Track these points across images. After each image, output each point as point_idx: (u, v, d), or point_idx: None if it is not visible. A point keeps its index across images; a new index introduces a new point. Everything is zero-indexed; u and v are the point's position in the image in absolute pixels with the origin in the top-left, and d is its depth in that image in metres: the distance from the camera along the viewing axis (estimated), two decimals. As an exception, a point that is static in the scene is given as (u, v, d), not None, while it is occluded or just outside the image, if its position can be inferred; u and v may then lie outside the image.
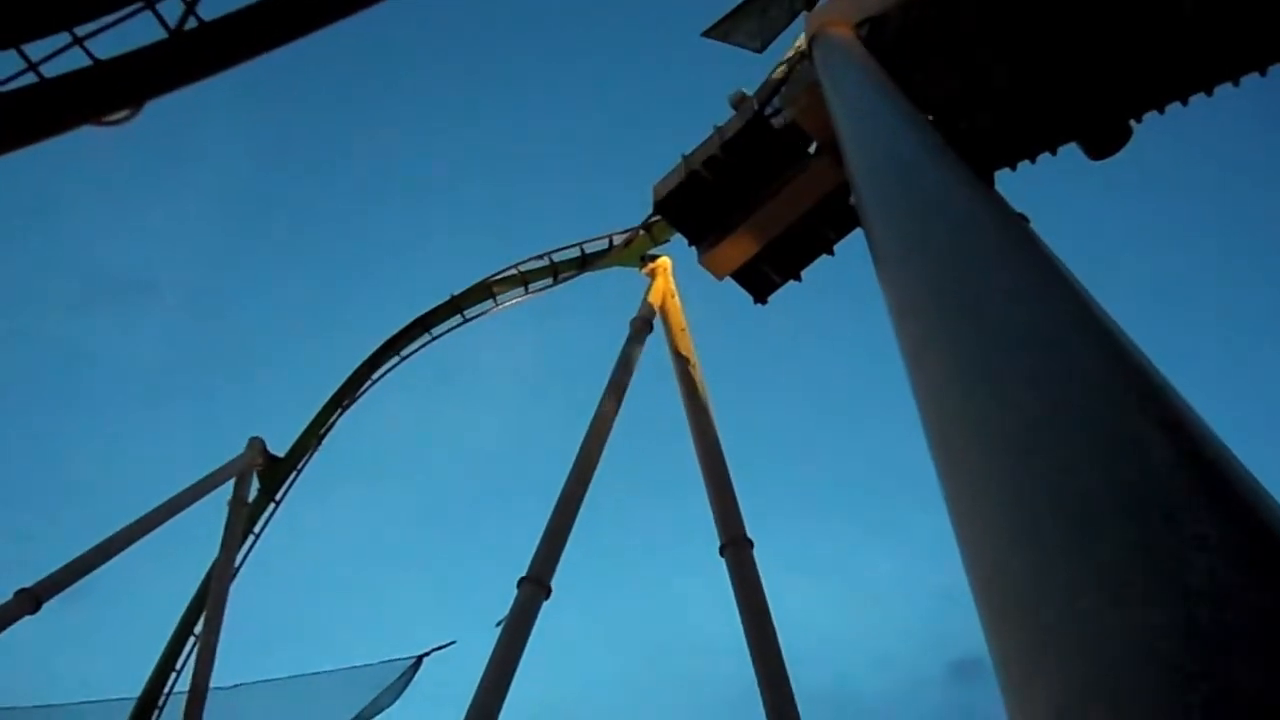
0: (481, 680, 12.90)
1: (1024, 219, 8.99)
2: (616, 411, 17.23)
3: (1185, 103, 11.15)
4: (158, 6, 8.70)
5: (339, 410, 25.24)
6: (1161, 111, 11.30)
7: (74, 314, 60.65)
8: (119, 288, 62.75)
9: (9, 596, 18.19)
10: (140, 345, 62.64)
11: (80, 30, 8.68)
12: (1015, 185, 11.87)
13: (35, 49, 8.68)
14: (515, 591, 14.06)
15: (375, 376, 25.12)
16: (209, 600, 22.05)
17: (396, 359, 25.18)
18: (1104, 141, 11.62)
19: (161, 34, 8.80)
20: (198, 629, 22.33)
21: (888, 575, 64.76)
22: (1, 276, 57.99)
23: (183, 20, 8.70)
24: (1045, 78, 10.68)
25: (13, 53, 8.56)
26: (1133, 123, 11.48)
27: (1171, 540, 2.21)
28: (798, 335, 62.83)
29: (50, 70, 8.75)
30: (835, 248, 15.30)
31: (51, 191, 54.04)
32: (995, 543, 2.58)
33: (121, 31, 8.89)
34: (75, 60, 8.88)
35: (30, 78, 8.70)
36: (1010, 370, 3.01)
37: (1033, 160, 12.01)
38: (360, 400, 25.50)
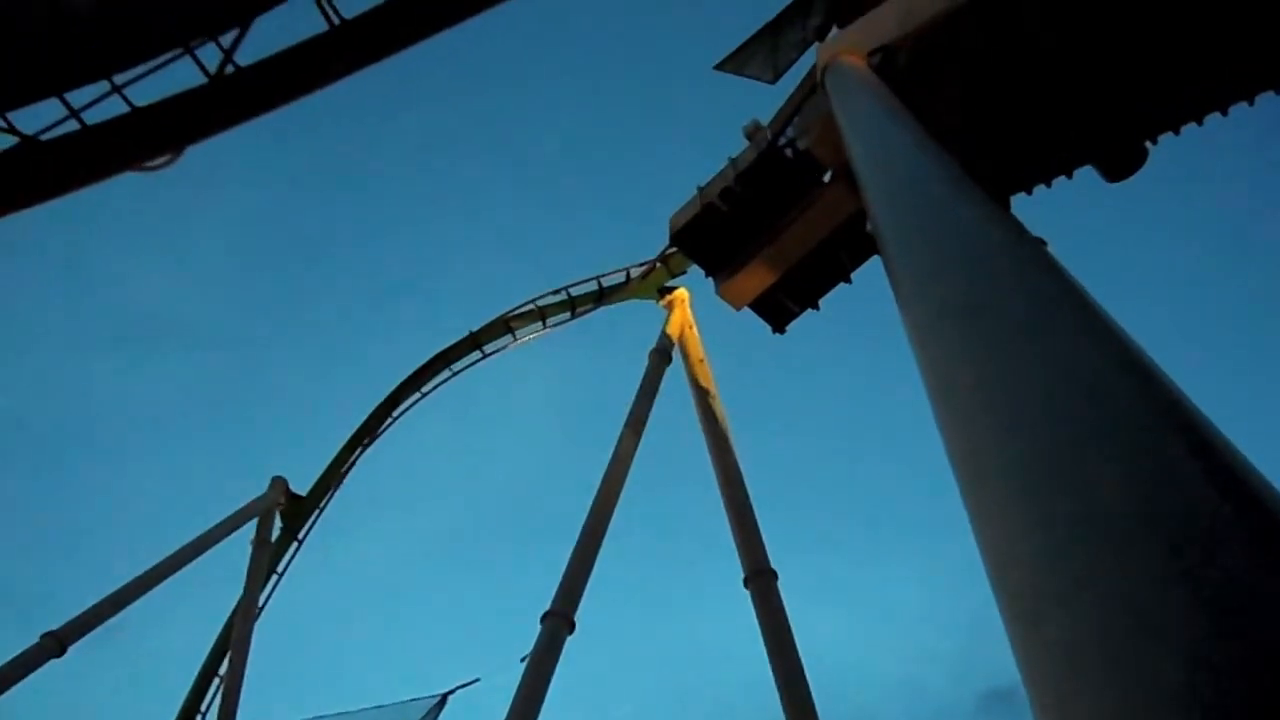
0: (507, 718, 12.81)
1: (1042, 242, 8.99)
2: (637, 444, 17.21)
3: (1200, 122, 11.14)
4: (195, 53, 8.82)
5: (360, 448, 25.35)
6: (1177, 133, 11.30)
7: (96, 356, 61.35)
8: (140, 329, 63.49)
9: (35, 640, 18.25)
10: (161, 386, 63.20)
11: (121, 77, 8.81)
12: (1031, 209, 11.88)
13: (78, 97, 8.82)
14: (539, 627, 13.99)
15: (396, 414, 25.24)
16: (233, 640, 22.07)
17: (417, 395, 25.31)
18: (1119, 164, 11.61)
19: (200, 79, 8.92)
20: (222, 670, 22.33)
21: (914, 604, 64.04)
22: (26, 320, 58.81)
23: (222, 66, 8.82)
24: (1059, 101, 10.70)
25: (55, 100, 8.70)
26: (1148, 144, 11.48)
27: (1205, 563, 2.18)
28: (815, 362, 62.70)
29: (94, 117, 8.89)
30: (853, 275, 15.29)
31: (74, 234, 54.91)
32: (1025, 569, 2.55)
33: (161, 78, 9.01)
34: (118, 106, 9.02)
35: (72, 125, 8.83)
36: (1035, 396, 2.99)
37: (1048, 184, 12.01)
38: (381, 437, 25.60)
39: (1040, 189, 12.01)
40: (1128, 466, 2.54)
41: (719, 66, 14.18)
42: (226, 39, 8.83)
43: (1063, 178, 11.92)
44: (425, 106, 61.42)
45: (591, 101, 67.23)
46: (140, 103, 8.99)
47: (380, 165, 65.82)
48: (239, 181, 59.98)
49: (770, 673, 14.14)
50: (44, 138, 8.79)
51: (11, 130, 8.71)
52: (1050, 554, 2.51)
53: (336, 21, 8.91)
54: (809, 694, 13.68)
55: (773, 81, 13.95)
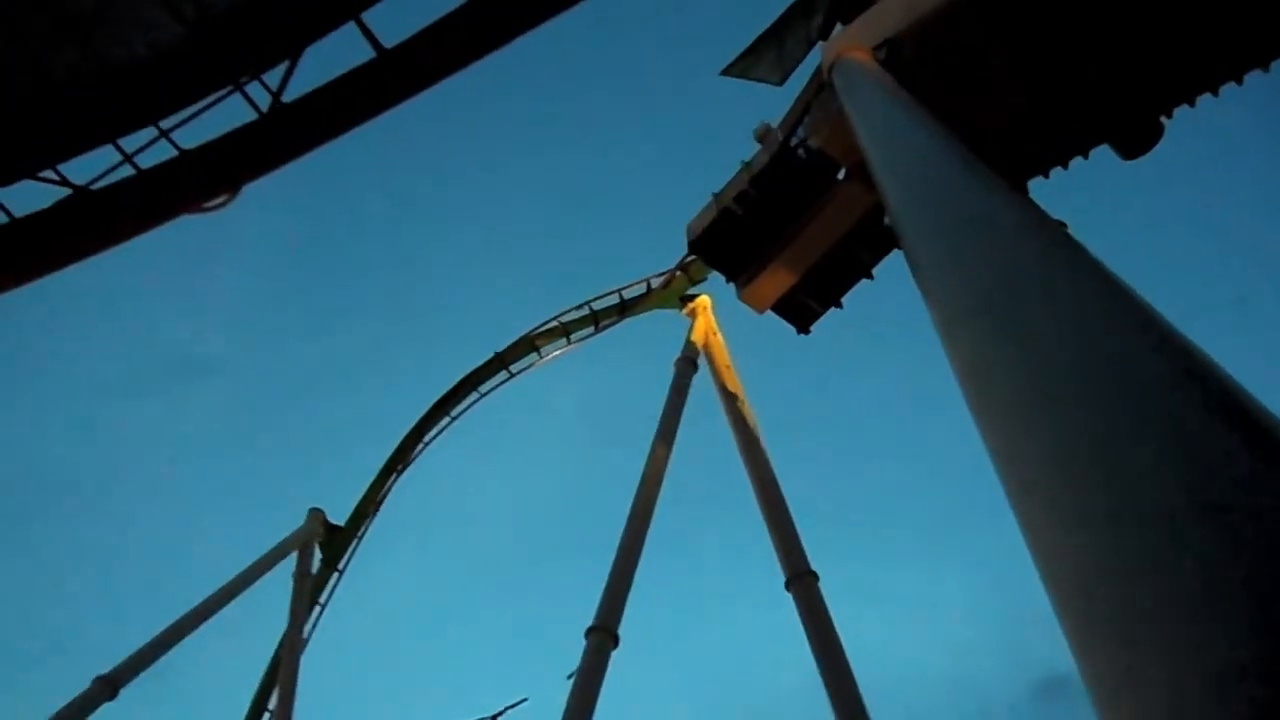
0: (557, 735, 12.81)
1: (1062, 225, 8.90)
2: (669, 453, 17.20)
3: (1216, 93, 11.01)
4: (245, 89, 8.84)
5: (394, 475, 25.47)
6: (1192, 105, 11.17)
7: (129, 397, 62.15)
8: (170, 367, 64.32)
9: (88, 684, 18.45)
10: (194, 423, 63.94)
11: (178, 117, 8.83)
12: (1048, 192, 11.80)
13: (130, 142, 8.87)
14: (584, 642, 13.98)
15: (427, 439, 25.35)
16: (280, 673, 22.20)
17: (447, 420, 25.43)
18: (1135, 140, 11.50)
19: (251, 115, 8.94)
20: (272, 704, 22.46)
21: (957, 598, 63.47)
22: (59, 364, 59.74)
23: (276, 99, 8.84)
24: (1070, 81, 10.62)
25: (109, 147, 8.75)
26: (1163, 119, 11.36)
27: (1261, 548, 2.15)
28: (843, 360, 62.44)
29: (148, 160, 8.92)
30: (875, 270, 15.23)
31: (98, 276, 55.73)
32: (1076, 561, 2.51)
33: (212, 116, 9.03)
34: (181, 143, 9.03)
35: (123, 171, 8.87)
36: (1071, 381, 2.95)
37: (1065, 166, 11.91)
38: (414, 463, 25.72)
39: (1057, 171, 11.92)
40: (1179, 453, 2.49)
41: (726, 71, 14.18)
42: (273, 76, 8.85)
43: (1079, 158, 11.82)
44: (440, 134, 61.98)
45: (604, 115, 67.56)
46: (193, 142, 9.01)
47: (399, 194, 66.43)
48: (259, 217, 60.73)
49: (818, 676, 14.04)
50: (96, 186, 8.83)
51: (63, 182, 8.77)
52: (1098, 541, 2.47)
53: (381, 50, 8.90)
54: (858, 695, 13.55)
55: (780, 83, 13.94)
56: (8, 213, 8.68)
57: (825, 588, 15.02)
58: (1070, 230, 8.77)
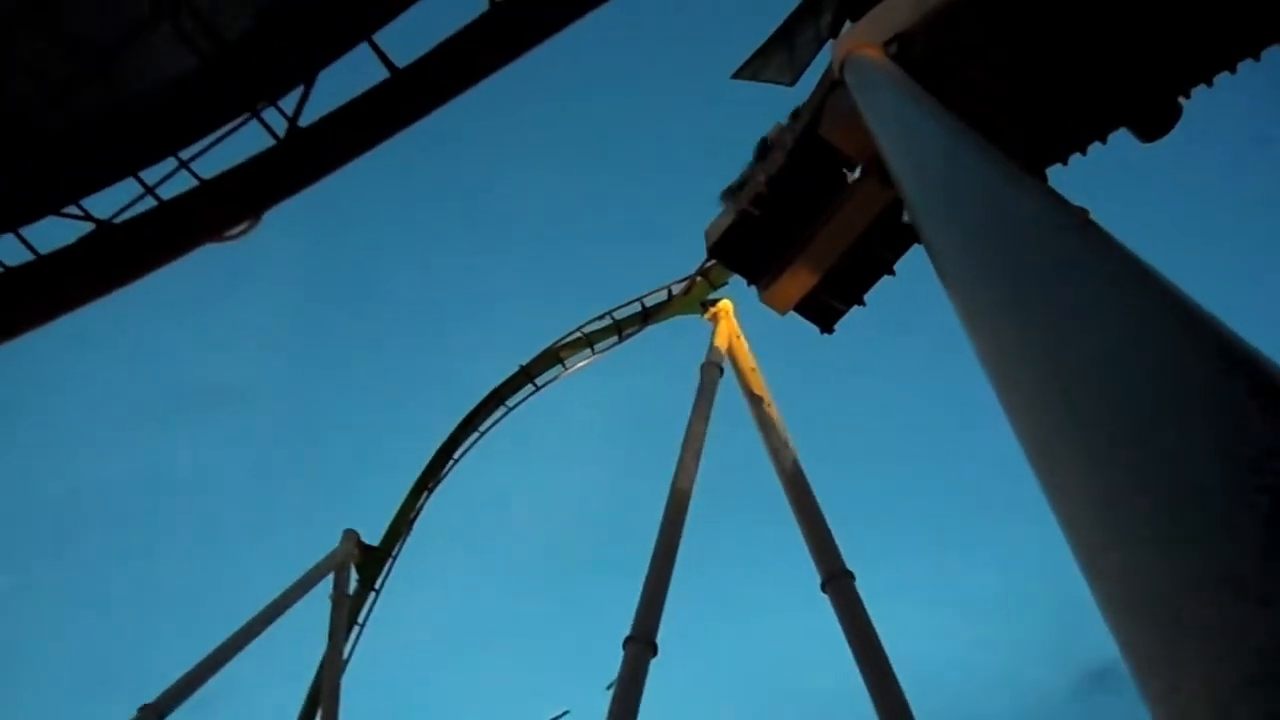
0: (600, 746, 12.80)
1: (1084, 211, 8.82)
2: (698, 459, 17.18)
3: (1234, 70, 10.89)
4: (261, 115, 8.88)
5: (426, 493, 25.61)
6: (1210, 84, 11.05)
7: (159, 428, 62.89)
8: (198, 398, 65.04)
9: (133, 714, 18.65)
10: (224, 451, 64.60)
11: (197, 147, 8.89)
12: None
13: (150, 175, 8.94)
14: (622, 652, 13.97)
15: (457, 456, 25.45)
16: (323, 695, 22.33)
17: (476, 435, 25.53)
18: (1154, 122, 11.39)
19: (268, 142, 8.99)
20: (315, 726, 22.60)
21: (995, 592, 62.92)
22: (91, 400, 60.55)
23: (292, 124, 8.90)
24: (1085, 65, 10.53)
25: (131, 180, 8.84)
26: (1181, 100, 11.24)
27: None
28: (867, 358, 62.12)
29: (167, 192, 8.99)
30: (896, 266, 15.15)
31: (122, 311, 56.49)
32: (1117, 549, 2.47)
33: (229, 145, 9.09)
34: (200, 173, 9.07)
35: (144, 205, 8.94)
36: (1104, 369, 2.91)
37: (1084, 152, 11.81)
38: (445, 479, 25.84)
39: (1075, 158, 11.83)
40: (1217, 434, 2.45)
41: (736, 75, 14.19)
42: (288, 102, 8.90)
43: (1097, 144, 11.72)
44: (454, 149, 62.36)
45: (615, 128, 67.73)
46: (211, 171, 9.08)
47: (415, 214, 66.86)
48: (277, 244, 61.37)
49: (858, 676, 13.94)
50: (118, 220, 8.92)
51: (86, 217, 8.86)
52: (1146, 534, 2.44)
53: (395, 70, 8.93)
54: (901, 694, 13.44)
55: (792, 83, 13.92)
56: (34, 250, 8.78)
57: (862, 586, 14.94)
58: (1092, 215, 8.69)
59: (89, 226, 8.87)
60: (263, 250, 61.17)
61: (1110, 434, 2.71)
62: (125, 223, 8.94)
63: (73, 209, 8.85)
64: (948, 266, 5.01)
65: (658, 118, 68.73)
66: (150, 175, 8.96)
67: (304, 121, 8.99)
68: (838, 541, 15.47)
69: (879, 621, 14.41)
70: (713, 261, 18.74)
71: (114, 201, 9.03)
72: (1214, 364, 2.62)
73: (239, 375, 65.06)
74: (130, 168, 8.74)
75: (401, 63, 9.01)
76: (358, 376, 70.85)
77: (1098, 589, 2.57)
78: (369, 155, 9.13)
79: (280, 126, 8.91)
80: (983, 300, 4.15)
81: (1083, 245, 3.88)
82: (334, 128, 9.02)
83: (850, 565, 15.13)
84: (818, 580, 15.17)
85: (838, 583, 14.86)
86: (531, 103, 64.68)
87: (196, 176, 8.95)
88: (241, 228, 9.32)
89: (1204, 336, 2.74)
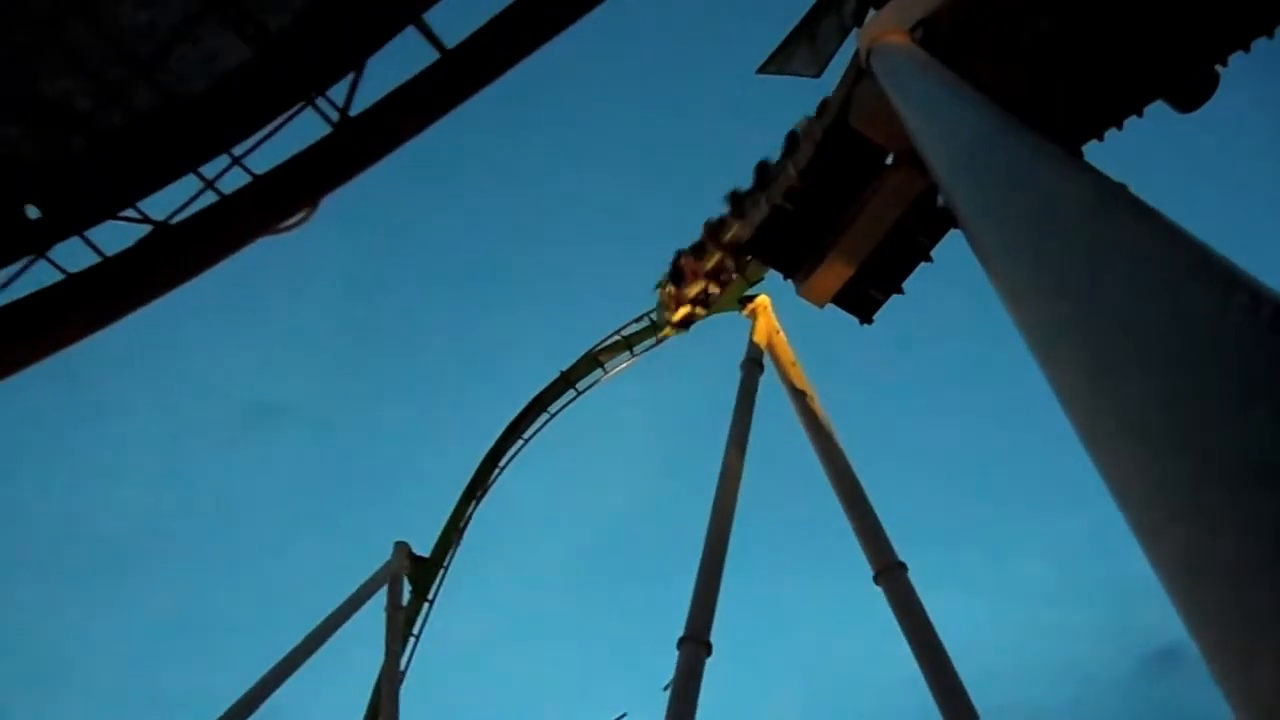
0: (660, 748, 12.82)
1: (1123, 187, 8.67)
2: (743, 456, 17.14)
3: (1271, 35, 10.65)
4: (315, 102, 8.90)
5: (474, 502, 25.80)
6: (1247, 50, 10.82)
7: (210, 448, 63.99)
8: (246, 417, 66.12)
9: (199, 733, 18.99)
10: (274, 468, 65.60)
11: (252, 140, 8.94)
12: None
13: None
14: (676, 653, 13.97)
15: (502, 464, 25.62)
16: (382, 706, 22.56)
17: (520, 443, 25.69)
18: (1191, 93, 11.18)
19: (322, 130, 9.04)
20: (376, 737, 22.83)
21: (1049, 579, 62.02)
22: (141, 424, 61.80)
23: (344, 111, 8.96)
24: (1118, 36, 10.36)
25: (190, 177, 8.95)
26: (1218, 68, 11.02)
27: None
28: (909, 346, 61.57)
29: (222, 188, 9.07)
30: (932, 252, 15.02)
31: (168, 335, 57.65)
32: (1180, 528, 2.43)
33: (278, 140, 9.17)
34: (251, 167, 9.15)
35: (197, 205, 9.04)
36: (1158, 344, 2.86)
37: (1119, 127, 11.62)
38: (492, 488, 26.02)
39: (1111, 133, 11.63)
40: (1270, 407, 2.40)
41: (761, 70, 14.12)
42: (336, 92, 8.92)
43: (1133, 118, 11.53)
44: (490, 150, 62.85)
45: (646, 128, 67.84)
46: (263, 164, 9.12)
47: (454, 221, 67.48)
48: (313, 257, 62.19)
49: (914, 667, 13.84)
50: (174, 220, 9.03)
51: (144, 219, 9.01)
52: (1211, 515, 2.39)
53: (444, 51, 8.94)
54: (960, 684, 13.33)
55: (817, 75, 13.82)
56: (99, 252, 8.91)
57: (915, 578, 14.82)
58: (1131, 191, 8.55)
59: (144, 229, 8.98)
60: (298, 264, 62.11)
61: (1166, 411, 2.66)
62: (182, 222, 9.05)
63: (130, 211, 8.99)
64: (988, 249, 4.95)
65: (686, 121, 68.69)
66: (204, 173, 9.07)
67: (355, 109, 9.03)
68: (888, 534, 15.36)
69: (933, 612, 14.30)
70: (748, 257, 18.69)
71: (167, 203, 9.15)
72: (1273, 336, 2.57)
73: (284, 393, 66.04)
74: (186, 166, 8.87)
75: (449, 41, 9.04)
76: (400, 387, 71.60)
77: (1162, 569, 2.52)
78: (409, 162, 9.21)
79: (331, 115, 8.97)
80: (1026, 281, 4.09)
81: (1127, 221, 3.82)
82: (387, 112, 9.08)
83: (902, 557, 15.02)
84: (869, 573, 15.07)
85: (890, 575, 14.75)
86: (569, 105, 65.10)
87: (249, 172, 9.04)
88: (298, 217, 9.39)
89: (1261, 308, 2.69)
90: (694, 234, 19.44)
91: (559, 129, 67.84)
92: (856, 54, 11.65)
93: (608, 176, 68.10)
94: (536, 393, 25.27)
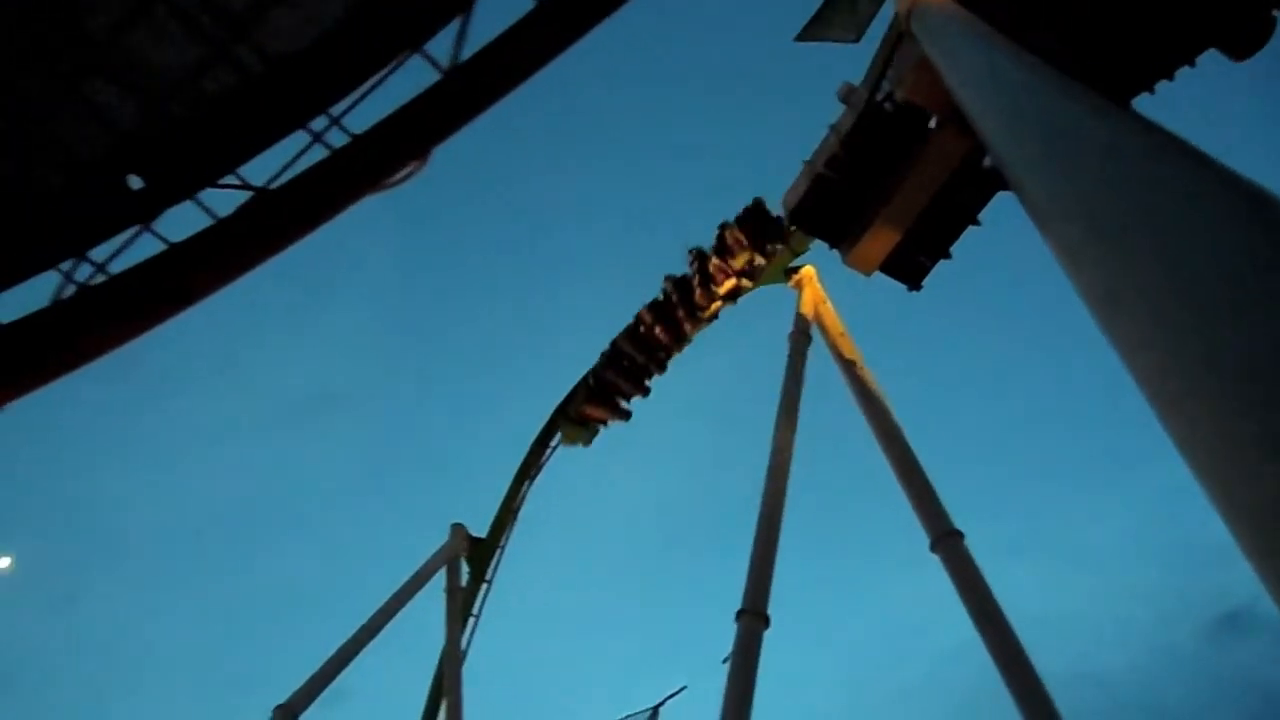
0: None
1: (1179, 139, 8.45)
2: (794, 427, 17.08)
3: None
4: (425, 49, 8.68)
5: (527, 482, 25.97)
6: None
7: (265, 439, 65.26)
8: (299, 407, 67.26)
9: (269, 714, 19.47)
10: (329, 456, 66.75)
11: (359, 92, 8.78)
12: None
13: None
14: (734, 626, 14.02)
15: (553, 444, 25.72)
16: (445, 686, 22.94)
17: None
18: (1245, 40, 10.82)
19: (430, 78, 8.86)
20: (441, 716, 23.22)
21: (1114, 543, 61.12)
22: (205, 416, 63.26)
23: (455, 57, 8.79)
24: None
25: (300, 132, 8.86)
26: (1275, 12, 10.65)
27: None
28: (961, 311, 60.77)
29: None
30: (980, 216, 14.78)
31: (219, 331, 58.82)
32: (1253, 486, 2.36)
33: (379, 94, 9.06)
34: (368, 116, 8.99)
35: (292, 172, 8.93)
36: (1222, 295, 2.78)
37: (1171, 78, 11.30)
38: (545, 468, 26.14)
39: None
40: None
41: (800, 37, 13.95)
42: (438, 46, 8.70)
43: (1185, 68, 11.19)
44: (536, 136, 62.97)
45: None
46: (360, 121, 8.96)
47: (501, 203, 67.81)
48: (365, 248, 62.96)
49: (966, 638, 13.74)
50: (273, 186, 8.95)
51: (244, 185, 8.98)
52: (1267, 460, 2.34)
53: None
54: (1023, 652, 13.19)
55: (857, 40, 13.60)
56: (212, 215, 8.89)
57: (972, 545, 14.67)
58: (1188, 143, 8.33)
59: (244, 195, 8.91)
60: (347, 257, 62.91)
61: (1237, 369, 2.59)
62: (280, 188, 8.95)
63: (230, 178, 8.93)
64: (1041, 206, 4.87)
65: (743, 107, 68.18)
66: (297, 141, 8.94)
67: (463, 55, 8.81)
68: (944, 502, 15.21)
69: (992, 578, 14.15)
70: (793, 228, 18.53)
71: (263, 169, 9.08)
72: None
73: (337, 381, 67.09)
74: (289, 127, 8.78)
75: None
76: (449, 371, 72.43)
77: (1237, 528, 2.46)
78: (461, 141, 8.93)
79: (432, 67, 8.79)
80: (1082, 236, 4.01)
81: (1186, 174, 3.72)
82: (493, 59, 8.92)
83: (960, 524, 14.88)
84: (926, 541, 14.96)
85: (947, 542, 14.62)
86: (604, 91, 64.98)
87: (347, 132, 8.87)
88: (408, 170, 9.28)
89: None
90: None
91: (615, 108, 67.61)
92: (896, 16, 11.46)
93: (661, 153, 67.91)
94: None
